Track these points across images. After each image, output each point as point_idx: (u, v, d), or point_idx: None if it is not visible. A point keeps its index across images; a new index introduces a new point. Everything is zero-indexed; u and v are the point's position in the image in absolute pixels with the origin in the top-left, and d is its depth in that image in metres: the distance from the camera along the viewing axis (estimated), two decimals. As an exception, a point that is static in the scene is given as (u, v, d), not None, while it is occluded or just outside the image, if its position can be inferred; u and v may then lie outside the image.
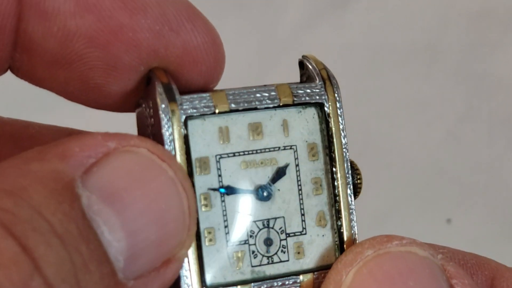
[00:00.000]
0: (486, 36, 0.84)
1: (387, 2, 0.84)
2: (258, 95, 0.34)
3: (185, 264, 0.33)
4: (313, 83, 0.35)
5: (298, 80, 0.36)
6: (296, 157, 0.35)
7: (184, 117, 0.33)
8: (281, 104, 0.34)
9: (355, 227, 0.35)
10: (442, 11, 0.84)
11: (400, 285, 0.31)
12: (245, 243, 0.34)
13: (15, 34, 0.32)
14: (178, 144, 0.33)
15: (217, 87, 0.35)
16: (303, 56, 0.36)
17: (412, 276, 0.32)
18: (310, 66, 0.36)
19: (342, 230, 0.35)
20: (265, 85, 0.35)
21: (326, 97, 0.35)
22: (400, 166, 0.81)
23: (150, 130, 0.34)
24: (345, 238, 0.35)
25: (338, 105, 0.35)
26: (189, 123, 0.33)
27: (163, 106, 0.33)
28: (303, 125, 0.35)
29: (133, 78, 0.33)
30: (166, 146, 0.33)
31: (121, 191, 0.29)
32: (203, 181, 0.34)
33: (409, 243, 0.33)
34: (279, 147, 0.35)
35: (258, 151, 0.34)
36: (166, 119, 0.33)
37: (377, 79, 0.82)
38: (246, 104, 0.34)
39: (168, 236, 0.30)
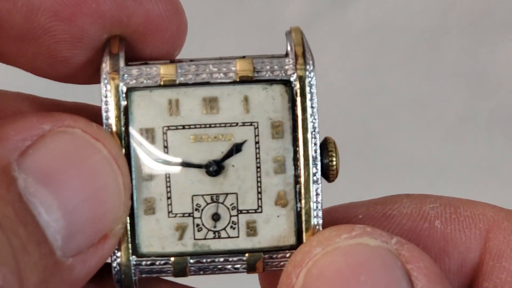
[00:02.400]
0: (486, 36, 0.84)
1: (387, 2, 0.84)
2: (213, 68, 0.33)
3: None
4: (285, 58, 0.34)
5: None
6: (256, 134, 0.34)
7: (125, 88, 0.33)
8: (237, 80, 0.33)
9: (319, 211, 0.33)
10: (442, 11, 0.84)
11: (352, 281, 0.30)
12: (189, 216, 0.34)
13: None
14: (114, 115, 0.33)
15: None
16: (290, 28, 0.35)
17: (363, 269, 0.31)
18: (288, 41, 0.34)
19: (301, 213, 0.33)
20: (225, 58, 0.34)
21: (295, 74, 0.33)
22: (400, 166, 0.81)
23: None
24: (304, 221, 0.33)
25: (308, 83, 0.33)
26: (133, 94, 0.33)
27: (104, 76, 0.33)
28: (268, 102, 0.34)
29: (97, 47, 0.34)
30: (103, 116, 0.33)
31: (56, 172, 0.30)
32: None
33: (358, 235, 0.32)
34: (237, 123, 0.34)
35: (212, 125, 0.34)
36: (104, 89, 0.33)
37: (377, 79, 0.82)
38: (197, 78, 0.33)
39: (104, 213, 0.31)
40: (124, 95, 0.33)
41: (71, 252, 0.30)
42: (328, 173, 0.34)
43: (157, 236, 0.33)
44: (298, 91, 0.33)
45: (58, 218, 0.30)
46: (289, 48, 0.34)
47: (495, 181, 0.82)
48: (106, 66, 0.33)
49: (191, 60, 0.34)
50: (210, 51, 0.86)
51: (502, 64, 0.83)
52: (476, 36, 0.84)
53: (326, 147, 0.34)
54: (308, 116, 0.33)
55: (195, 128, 0.33)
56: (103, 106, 0.33)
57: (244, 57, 0.34)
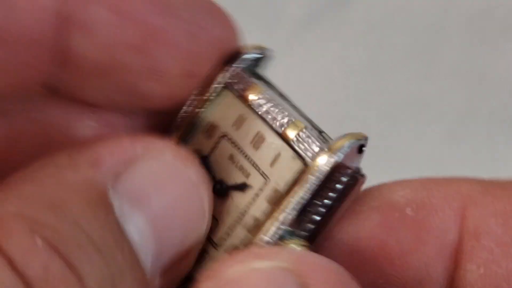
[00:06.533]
0: (486, 36, 0.84)
1: (387, 2, 0.84)
2: (279, 113, 0.34)
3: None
4: (318, 143, 0.34)
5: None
6: (261, 188, 0.33)
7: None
8: (281, 133, 0.33)
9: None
10: (442, 11, 0.84)
11: None
12: None
13: (55, 51, 0.33)
14: None
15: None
16: None
17: None
18: None
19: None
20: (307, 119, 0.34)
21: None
22: (400, 165, 0.81)
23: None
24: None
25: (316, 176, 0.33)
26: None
27: None
28: (288, 171, 0.33)
29: (172, 78, 0.34)
30: None
31: (149, 196, 0.31)
32: None
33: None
34: (259, 169, 0.33)
35: (246, 156, 0.34)
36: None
37: (377, 79, 0.82)
38: (264, 108, 0.34)
39: (189, 235, 0.32)
40: None
41: (158, 273, 0.31)
42: None
43: None
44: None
45: (151, 241, 0.30)
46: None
47: (495, 181, 0.82)
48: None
49: None
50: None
51: (502, 64, 0.83)
52: (476, 36, 0.84)
53: None
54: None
55: (238, 149, 0.34)
56: None
57: None
